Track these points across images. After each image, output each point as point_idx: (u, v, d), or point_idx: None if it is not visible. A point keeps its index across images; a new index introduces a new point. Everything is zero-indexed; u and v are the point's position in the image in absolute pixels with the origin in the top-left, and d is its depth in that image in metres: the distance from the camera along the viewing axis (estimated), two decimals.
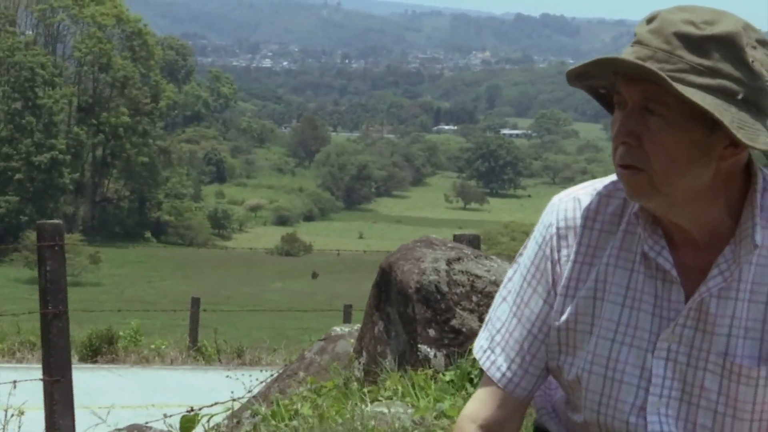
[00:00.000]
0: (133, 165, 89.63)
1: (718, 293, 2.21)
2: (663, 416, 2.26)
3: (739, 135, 2.06)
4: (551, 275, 2.34)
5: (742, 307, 2.21)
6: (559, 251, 2.34)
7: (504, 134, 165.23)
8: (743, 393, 2.21)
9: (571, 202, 2.36)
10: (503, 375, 2.38)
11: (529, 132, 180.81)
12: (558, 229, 2.34)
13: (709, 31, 2.10)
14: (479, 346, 2.43)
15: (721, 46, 2.09)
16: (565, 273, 2.32)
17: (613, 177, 2.32)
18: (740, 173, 2.20)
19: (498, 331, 2.40)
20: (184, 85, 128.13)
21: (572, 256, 2.32)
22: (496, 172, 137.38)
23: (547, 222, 2.37)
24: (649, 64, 2.08)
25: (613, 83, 2.20)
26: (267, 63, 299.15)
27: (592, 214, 2.33)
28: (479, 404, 2.40)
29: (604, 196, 2.33)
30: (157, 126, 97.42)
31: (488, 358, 2.40)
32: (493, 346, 2.40)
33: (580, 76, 2.22)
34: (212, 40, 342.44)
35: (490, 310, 2.44)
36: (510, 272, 2.42)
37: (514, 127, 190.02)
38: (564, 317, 2.32)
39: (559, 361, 2.35)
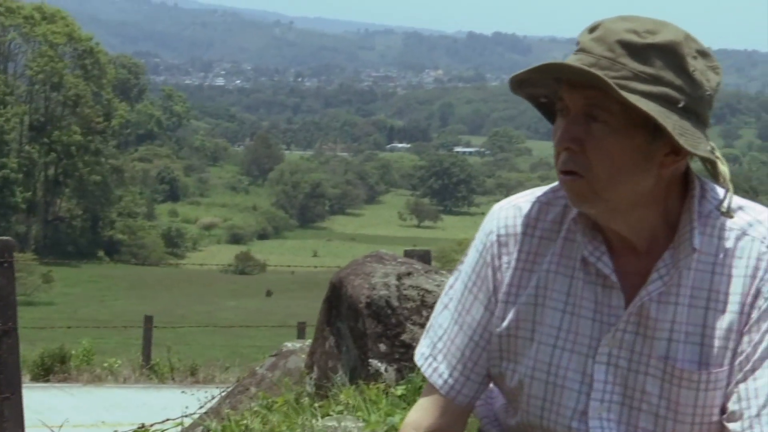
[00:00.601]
0: (86, 184, 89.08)
1: (658, 298, 2.23)
2: (605, 421, 2.27)
3: (681, 141, 2.09)
4: (492, 282, 2.35)
5: (681, 312, 2.23)
6: (499, 258, 2.35)
7: (457, 152, 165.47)
8: (684, 396, 2.23)
9: (511, 209, 2.38)
10: (445, 382, 2.39)
11: (483, 150, 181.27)
12: (498, 236, 2.36)
13: (651, 39, 2.14)
14: (420, 353, 2.44)
15: (663, 55, 2.13)
16: (506, 280, 2.34)
17: (553, 185, 2.36)
18: (679, 182, 2.24)
19: (440, 338, 2.41)
20: (136, 104, 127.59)
21: (513, 263, 2.34)
22: (449, 190, 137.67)
23: (488, 229, 2.38)
24: (593, 71, 2.11)
25: (555, 91, 2.23)
26: (220, 81, 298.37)
27: (532, 222, 2.35)
28: (422, 412, 2.42)
29: (544, 204, 2.36)
30: (110, 144, 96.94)
31: (430, 365, 2.41)
32: (435, 353, 2.41)
33: (523, 83, 2.26)
34: (165, 58, 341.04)
35: (432, 317, 2.45)
36: (451, 279, 2.44)
37: (468, 144, 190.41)
38: (505, 324, 2.34)
39: (501, 368, 2.36)
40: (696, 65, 2.17)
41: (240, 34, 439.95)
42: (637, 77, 2.11)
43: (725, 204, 2.25)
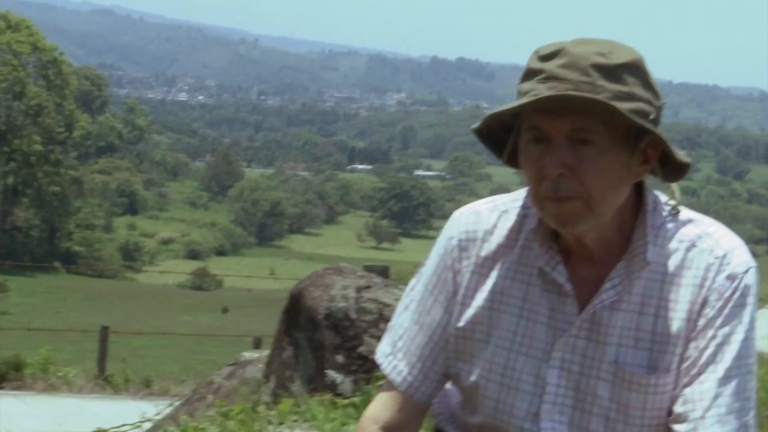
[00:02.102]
0: (45, 194, 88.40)
1: (610, 305, 2.32)
2: (557, 423, 2.36)
3: (675, 150, 2.24)
4: (452, 285, 2.44)
5: (632, 319, 2.32)
6: (459, 262, 2.43)
7: (417, 175, 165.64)
8: (634, 400, 2.32)
9: (472, 215, 2.46)
10: (404, 379, 2.49)
11: (443, 174, 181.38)
12: (459, 240, 2.44)
13: (618, 59, 2.21)
14: (382, 352, 2.54)
15: (632, 72, 2.21)
16: (464, 283, 2.43)
17: (512, 194, 2.45)
18: (632, 193, 2.33)
19: (400, 338, 2.51)
20: (98, 116, 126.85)
21: (471, 267, 2.42)
22: (408, 213, 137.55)
23: (449, 234, 2.46)
24: (572, 92, 2.16)
25: (500, 121, 2.28)
26: (183, 96, 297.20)
27: (491, 228, 2.43)
28: (381, 406, 2.51)
29: (503, 212, 2.44)
30: (70, 155, 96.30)
31: (390, 363, 2.51)
32: (395, 351, 2.51)
33: (494, 116, 2.26)
34: (128, 71, 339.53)
35: (393, 317, 2.56)
36: (413, 282, 2.53)
37: (428, 168, 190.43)
38: (461, 325, 2.42)
39: (457, 368, 2.45)
40: (653, 78, 2.27)
41: (204, 50, 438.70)
42: (616, 96, 2.18)
43: (677, 196, 2.37)
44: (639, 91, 2.21)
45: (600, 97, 2.16)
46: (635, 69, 2.22)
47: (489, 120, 2.27)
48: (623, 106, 2.17)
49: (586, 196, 2.22)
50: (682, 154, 2.27)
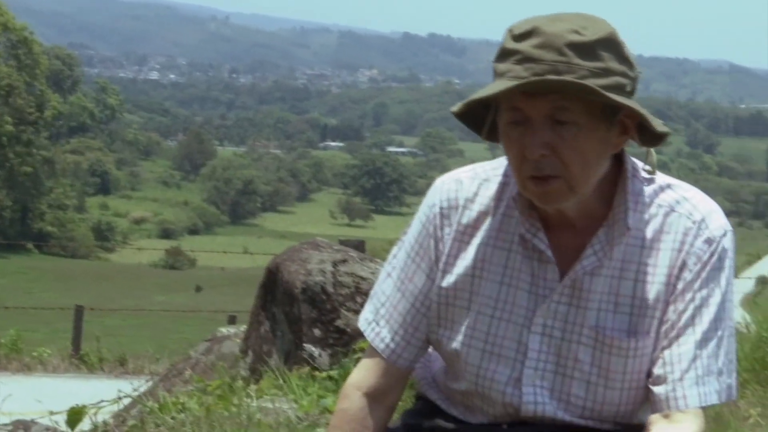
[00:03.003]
0: (16, 175, 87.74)
1: (591, 271, 2.36)
2: (538, 388, 2.40)
3: (651, 121, 2.26)
4: (434, 252, 2.47)
5: (612, 284, 2.37)
6: (441, 229, 2.47)
7: (390, 152, 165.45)
8: (614, 363, 2.37)
9: (453, 183, 2.49)
10: (387, 346, 2.52)
11: (415, 150, 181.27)
12: (441, 208, 2.47)
13: (592, 35, 2.23)
14: (364, 319, 2.57)
15: (607, 48, 2.24)
16: (446, 250, 2.45)
17: (493, 162, 2.48)
18: (611, 161, 2.36)
19: (383, 305, 2.53)
20: (70, 96, 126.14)
21: (453, 234, 2.45)
22: (381, 189, 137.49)
23: (431, 202, 2.50)
24: (552, 77, 2.19)
25: (483, 102, 2.30)
26: (154, 75, 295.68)
27: (472, 196, 2.46)
28: (364, 372, 2.54)
29: (484, 180, 2.47)
30: (42, 136, 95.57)
31: (373, 329, 2.54)
32: (378, 318, 2.53)
33: (477, 102, 2.29)
34: (99, 50, 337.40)
35: (375, 285, 2.57)
36: (395, 249, 2.55)
37: (400, 145, 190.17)
38: (443, 292, 2.46)
39: (438, 334, 2.48)
40: (627, 49, 2.28)
41: (175, 29, 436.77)
42: (593, 73, 2.21)
43: (652, 160, 2.40)
44: (614, 65, 2.24)
45: (577, 75, 2.18)
46: (610, 43, 2.24)
47: (471, 104, 2.30)
48: (600, 82, 2.20)
49: (567, 175, 2.26)
50: (659, 123, 2.29)
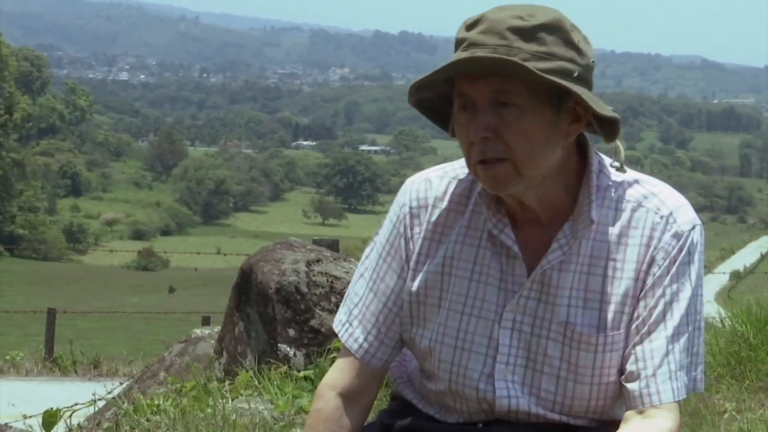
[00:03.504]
0: None
1: (559, 266, 2.37)
2: (510, 383, 2.41)
3: (592, 104, 2.25)
4: (405, 251, 2.49)
5: (581, 279, 2.37)
6: (411, 229, 2.48)
7: (362, 150, 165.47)
8: (583, 359, 2.38)
9: (422, 183, 2.51)
10: (360, 346, 2.53)
11: (388, 148, 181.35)
12: (411, 208, 2.49)
13: (536, 20, 2.25)
14: (338, 320, 2.58)
15: (551, 32, 2.25)
16: (416, 249, 2.47)
17: (463, 161, 2.45)
18: (574, 152, 2.38)
19: (356, 306, 2.54)
20: (39, 97, 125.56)
21: (423, 233, 2.47)
22: (354, 188, 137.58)
23: (401, 202, 2.51)
24: (479, 54, 2.22)
25: (441, 94, 2.35)
26: (124, 76, 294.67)
27: (441, 195, 2.48)
28: (339, 373, 2.55)
29: (453, 178, 2.49)
30: (11, 138, 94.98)
31: (346, 330, 2.55)
32: (351, 319, 2.54)
33: (420, 88, 2.34)
34: (68, 51, 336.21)
35: (349, 286, 2.59)
36: (367, 250, 2.57)
37: (373, 143, 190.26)
38: (414, 290, 2.47)
39: (411, 333, 2.50)
40: (577, 37, 2.30)
41: (145, 29, 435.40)
42: (535, 57, 2.23)
43: (620, 159, 2.40)
44: (559, 49, 2.26)
45: (516, 58, 2.20)
46: (554, 28, 2.26)
47: (414, 91, 2.33)
48: (541, 65, 2.21)
49: (513, 158, 2.26)
50: (608, 109, 2.29)
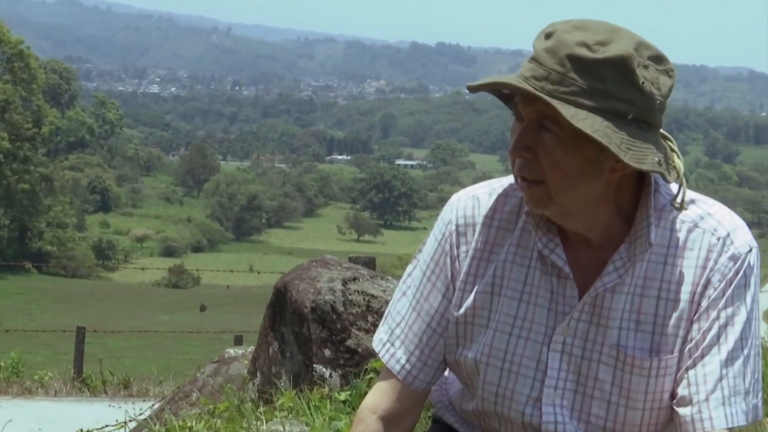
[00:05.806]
0: (14, 192, 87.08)
1: (612, 288, 2.33)
2: (558, 407, 2.38)
3: (627, 158, 2.17)
4: (450, 270, 2.45)
5: (634, 302, 2.32)
6: (458, 247, 2.45)
7: (399, 165, 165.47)
8: (636, 383, 2.32)
9: (470, 200, 2.48)
10: (402, 367, 2.49)
11: (425, 163, 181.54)
12: (457, 226, 2.46)
13: (601, 54, 2.17)
14: (379, 339, 2.54)
15: (613, 69, 2.19)
16: (464, 268, 2.44)
17: (510, 177, 2.43)
18: (632, 178, 2.32)
19: (398, 325, 2.51)
20: (67, 110, 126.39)
21: (470, 252, 2.44)
22: (390, 204, 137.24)
23: (447, 219, 2.48)
24: (543, 85, 2.17)
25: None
26: (154, 89, 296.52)
27: (490, 212, 2.45)
28: (379, 395, 2.51)
29: (501, 195, 2.46)
30: (39, 152, 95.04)
31: (388, 350, 2.51)
32: (393, 339, 2.51)
33: (479, 88, 2.29)
34: (97, 64, 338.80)
35: (390, 304, 2.55)
36: (410, 268, 2.53)
37: (409, 157, 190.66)
38: (462, 311, 2.44)
39: (457, 354, 2.46)
40: (646, 75, 2.22)
41: (176, 40, 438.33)
42: (586, 92, 2.17)
43: (679, 199, 2.34)
44: (617, 90, 2.18)
45: (567, 89, 2.17)
46: (620, 66, 2.19)
47: (478, 87, 2.27)
48: (589, 102, 2.16)
49: (547, 182, 2.25)
50: (651, 162, 2.20)
